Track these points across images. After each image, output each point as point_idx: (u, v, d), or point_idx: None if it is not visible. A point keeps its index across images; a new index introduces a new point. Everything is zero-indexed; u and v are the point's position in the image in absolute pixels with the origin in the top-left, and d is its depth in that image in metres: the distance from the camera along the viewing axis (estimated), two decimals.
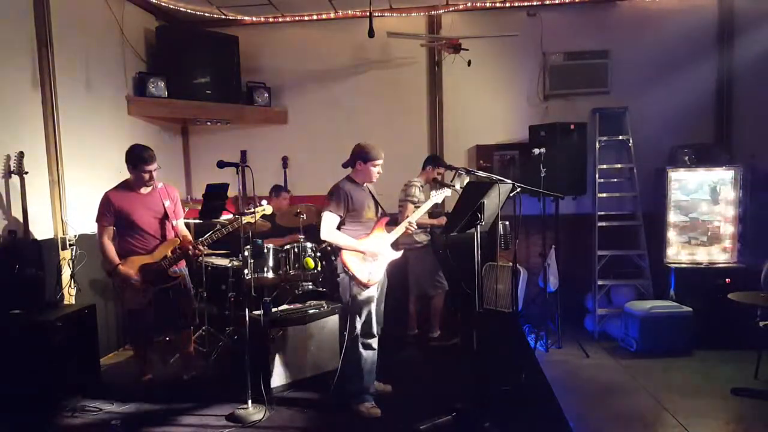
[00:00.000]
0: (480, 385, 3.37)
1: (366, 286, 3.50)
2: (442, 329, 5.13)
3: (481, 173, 3.90)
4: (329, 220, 3.52)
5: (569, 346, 4.96)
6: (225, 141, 6.35)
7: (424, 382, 3.87)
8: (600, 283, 5.43)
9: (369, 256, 3.53)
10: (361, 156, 3.60)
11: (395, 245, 3.70)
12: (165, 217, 3.89)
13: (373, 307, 3.58)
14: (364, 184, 3.71)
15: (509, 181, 3.47)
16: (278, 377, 3.89)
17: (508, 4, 5.86)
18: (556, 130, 5.31)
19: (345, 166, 3.73)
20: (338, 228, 3.56)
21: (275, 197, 5.42)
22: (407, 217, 3.95)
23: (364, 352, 3.55)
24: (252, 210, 3.95)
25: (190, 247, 3.84)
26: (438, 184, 4.86)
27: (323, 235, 3.53)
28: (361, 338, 3.54)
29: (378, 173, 3.65)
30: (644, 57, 5.75)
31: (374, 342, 3.59)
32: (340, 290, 3.62)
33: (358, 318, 3.53)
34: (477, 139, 6.09)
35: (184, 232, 4.07)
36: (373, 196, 3.76)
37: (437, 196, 3.83)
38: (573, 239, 5.70)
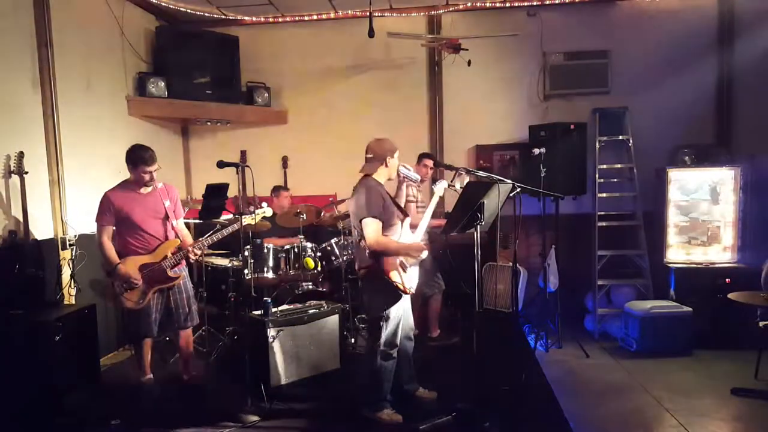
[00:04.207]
0: (480, 385, 3.37)
1: (405, 294, 3.39)
2: (442, 329, 5.12)
3: (481, 173, 3.89)
4: (375, 227, 3.24)
5: (569, 346, 4.96)
6: (225, 141, 6.36)
7: (424, 382, 3.86)
8: (600, 283, 5.43)
9: (411, 257, 3.37)
10: (390, 151, 3.42)
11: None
12: (165, 217, 3.89)
13: (403, 317, 3.49)
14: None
15: (509, 181, 3.46)
16: (278, 377, 3.89)
17: (508, 4, 5.86)
18: (556, 130, 5.31)
19: (370, 170, 3.43)
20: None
21: (276, 197, 5.43)
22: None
23: (385, 363, 3.45)
24: (252, 212, 3.95)
25: (189, 248, 3.83)
26: (431, 180, 4.86)
27: (373, 244, 3.24)
28: (384, 348, 3.42)
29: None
30: (644, 57, 5.76)
31: (395, 351, 3.48)
32: (370, 300, 3.46)
33: (385, 329, 3.39)
34: (477, 139, 6.09)
35: (185, 232, 4.07)
36: (390, 197, 3.54)
37: (438, 189, 3.76)
38: (573, 239, 5.70)
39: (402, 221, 3.48)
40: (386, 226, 3.34)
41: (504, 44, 5.83)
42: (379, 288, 3.39)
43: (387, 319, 3.39)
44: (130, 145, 3.83)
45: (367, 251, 3.30)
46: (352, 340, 4.78)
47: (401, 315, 3.48)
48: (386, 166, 3.44)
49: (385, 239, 3.32)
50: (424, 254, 3.46)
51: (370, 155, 3.45)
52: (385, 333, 3.40)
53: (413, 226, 3.60)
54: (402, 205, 3.69)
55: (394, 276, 3.29)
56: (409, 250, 3.39)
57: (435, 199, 3.76)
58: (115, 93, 5.28)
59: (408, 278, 3.37)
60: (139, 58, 5.65)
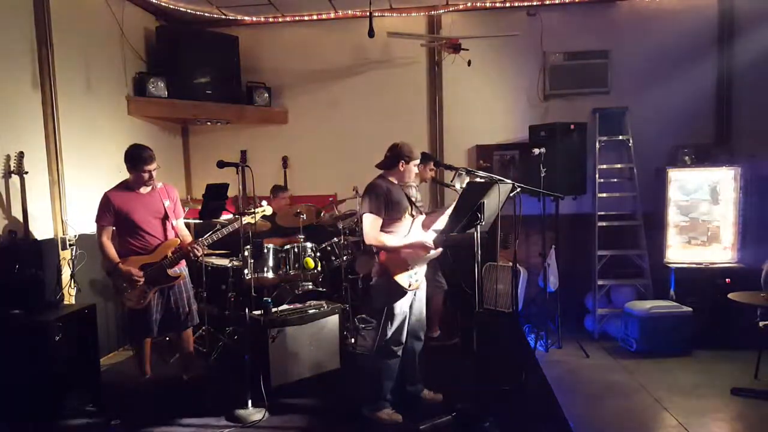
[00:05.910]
0: (480, 385, 3.37)
1: (406, 292, 3.40)
2: (442, 329, 5.13)
3: (481, 173, 3.88)
4: (372, 223, 3.33)
5: (569, 346, 4.96)
6: (225, 141, 6.35)
7: (424, 382, 3.86)
8: (600, 283, 5.43)
9: (417, 255, 3.40)
10: (404, 156, 3.48)
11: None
12: (165, 217, 3.89)
13: (407, 314, 3.49)
14: (399, 184, 3.56)
15: (509, 181, 3.46)
16: (278, 377, 3.89)
17: (508, 4, 5.86)
18: (556, 130, 5.30)
19: (382, 167, 3.56)
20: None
21: (276, 197, 5.43)
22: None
23: (388, 361, 3.45)
24: (252, 210, 3.95)
25: (189, 248, 3.84)
26: (434, 182, 4.84)
27: (369, 240, 3.35)
28: (389, 345, 3.41)
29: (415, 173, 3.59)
30: (644, 57, 5.76)
31: (400, 350, 3.49)
32: (374, 296, 3.49)
33: (390, 326, 3.39)
34: (477, 139, 6.09)
35: (184, 232, 4.07)
36: (407, 196, 3.57)
37: (456, 184, 3.74)
38: (573, 239, 5.69)
39: (414, 219, 3.51)
40: (390, 221, 3.38)
41: (504, 44, 5.82)
42: (382, 284, 3.42)
43: (391, 315, 3.39)
44: (129, 146, 3.84)
45: (362, 245, 3.33)
46: (352, 340, 4.78)
47: (406, 312, 3.48)
48: (400, 168, 3.48)
49: (383, 236, 3.36)
50: (433, 253, 3.45)
51: (388, 153, 3.54)
52: (390, 330, 3.40)
53: (426, 226, 3.60)
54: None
55: (398, 274, 3.32)
56: (411, 248, 3.40)
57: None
58: (115, 93, 5.28)
59: (409, 276, 3.38)
60: (139, 58, 5.65)
